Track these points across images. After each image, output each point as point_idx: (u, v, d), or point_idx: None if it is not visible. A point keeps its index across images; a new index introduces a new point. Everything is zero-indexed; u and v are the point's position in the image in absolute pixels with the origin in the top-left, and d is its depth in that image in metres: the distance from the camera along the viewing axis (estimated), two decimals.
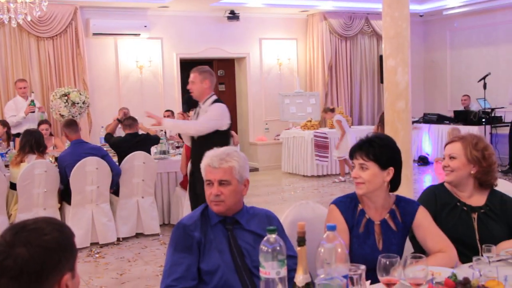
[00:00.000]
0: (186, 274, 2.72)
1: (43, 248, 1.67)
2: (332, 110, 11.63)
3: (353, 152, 3.02)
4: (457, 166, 3.25)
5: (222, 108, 5.71)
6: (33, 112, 9.33)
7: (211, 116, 5.61)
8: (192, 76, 5.70)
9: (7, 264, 1.63)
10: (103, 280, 5.97)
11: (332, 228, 2.27)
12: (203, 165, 2.90)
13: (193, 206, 5.76)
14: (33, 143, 7.03)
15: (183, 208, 7.39)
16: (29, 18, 8.25)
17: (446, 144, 3.42)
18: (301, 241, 2.15)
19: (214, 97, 5.76)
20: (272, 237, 2.17)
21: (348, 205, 3.06)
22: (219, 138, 5.46)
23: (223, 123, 5.68)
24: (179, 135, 8.32)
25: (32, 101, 9.35)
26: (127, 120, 7.90)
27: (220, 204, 2.82)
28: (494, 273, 2.37)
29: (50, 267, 1.67)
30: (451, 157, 3.28)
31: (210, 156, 2.89)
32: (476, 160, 3.24)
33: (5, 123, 9.01)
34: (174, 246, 2.80)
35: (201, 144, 5.45)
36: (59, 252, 1.70)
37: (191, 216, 2.93)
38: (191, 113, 5.99)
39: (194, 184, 5.59)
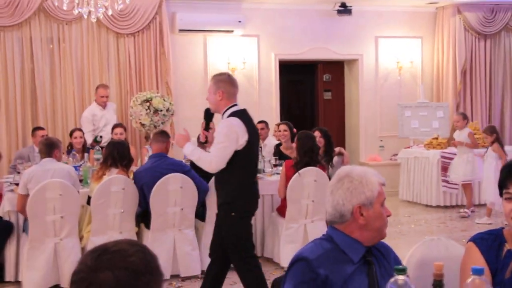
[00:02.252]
0: None
1: (130, 271, 1.73)
2: (466, 118, 11.19)
3: (505, 179, 2.96)
4: None
5: (228, 126, 5.64)
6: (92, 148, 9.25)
7: (218, 142, 5.59)
8: (209, 85, 5.85)
9: None
10: None
11: (479, 272, 2.23)
12: (379, 182, 2.90)
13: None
14: (115, 155, 7.18)
15: (280, 238, 7.41)
16: (109, 12, 8.54)
17: None
18: (439, 285, 2.11)
19: (230, 111, 5.71)
20: (401, 278, 2.14)
21: (491, 243, 3.02)
22: (245, 159, 5.61)
23: (238, 143, 5.57)
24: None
25: (99, 136, 9.47)
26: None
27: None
28: None
29: None
30: None
31: (375, 172, 2.95)
32: None
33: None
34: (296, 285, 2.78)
35: (227, 171, 5.58)
36: (147, 275, 1.77)
37: (314, 248, 2.87)
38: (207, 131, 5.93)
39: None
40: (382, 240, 3.00)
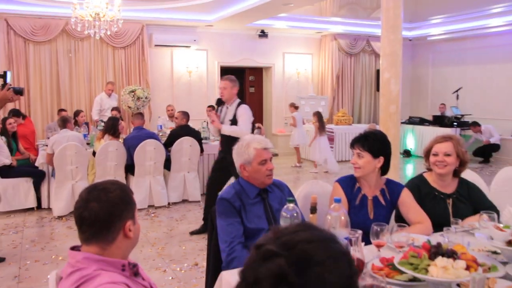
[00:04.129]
0: (238, 233, 2.72)
1: (109, 203, 1.76)
2: (296, 108, 11.40)
3: (353, 144, 3.02)
4: (452, 162, 3.16)
5: (249, 109, 5.73)
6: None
7: (247, 117, 5.64)
8: (224, 83, 5.72)
9: (85, 215, 1.74)
10: (157, 233, 6.07)
11: (338, 201, 2.30)
12: (255, 148, 2.84)
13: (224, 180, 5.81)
14: (110, 127, 7.17)
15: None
16: (108, 33, 8.56)
17: (436, 143, 3.24)
18: (313, 209, 2.18)
19: (238, 100, 5.76)
20: (291, 205, 2.20)
21: (348, 183, 3.05)
22: (252, 128, 5.75)
23: (251, 118, 5.74)
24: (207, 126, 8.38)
25: (100, 120, 9.33)
26: (183, 114, 7.87)
27: (272, 176, 2.87)
28: (460, 240, 2.39)
29: (115, 216, 1.77)
30: (447, 154, 3.15)
31: (260, 141, 2.90)
32: (461, 155, 3.19)
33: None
34: (224, 215, 2.76)
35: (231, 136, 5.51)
36: (121, 205, 1.79)
37: (228, 191, 2.86)
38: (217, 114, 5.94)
39: (227, 166, 5.47)
40: (280, 180, 3.05)
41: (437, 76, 14.35)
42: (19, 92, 4.80)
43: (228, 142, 5.46)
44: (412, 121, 13.01)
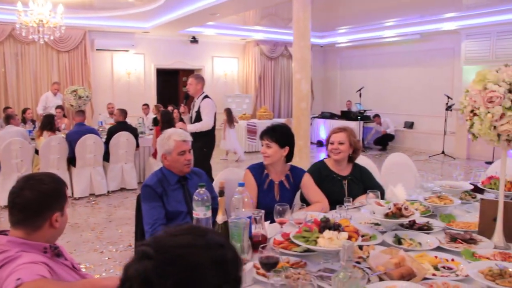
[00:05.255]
0: (160, 215, 2.67)
1: (41, 193, 1.70)
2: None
3: (262, 136, 3.04)
4: (345, 149, 3.24)
5: (211, 103, 5.72)
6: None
7: (209, 111, 5.65)
8: (190, 80, 5.78)
9: (17, 201, 1.69)
10: (96, 219, 5.87)
11: (241, 185, 2.32)
12: (175, 140, 2.80)
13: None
14: (47, 124, 6.94)
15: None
16: (52, 38, 8.35)
17: (332, 133, 3.32)
18: (221, 193, 2.17)
19: (204, 94, 5.76)
20: (202, 190, 2.18)
21: (258, 170, 3.06)
22: (214, 121, 5.76)
23: (214, 111, 5.77)
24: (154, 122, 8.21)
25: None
26: (121, 112, 7.64)
27: (190, 166, 2.83)
28: (348, 216, 2.48)
29: (44, 206, 1.71)
30: (340, 143, 3.24)
31: (180, 134, 2.85)
32: (353, 144, 3.29)
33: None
34: (147, 199, 2.71)
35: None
36: (51, 197, 1.73)
37: (151, 178, 2.79)
38: (184, 107, 5.94)
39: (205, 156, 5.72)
40: (197, 169, 3.00)
41: (344, 77, 14.80)
42: None
43: (200, 134, 5.63)
44: (324, 115, 13.35)
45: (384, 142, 12.22)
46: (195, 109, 5.73)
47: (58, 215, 1.74)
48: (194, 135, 5.62)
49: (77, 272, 1.81)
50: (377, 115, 12.19)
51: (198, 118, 5.68)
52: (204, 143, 5.68)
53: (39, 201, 1.69)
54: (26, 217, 1.68)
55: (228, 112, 10.43)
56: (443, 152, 10.83)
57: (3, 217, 5.98)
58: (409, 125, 12.53)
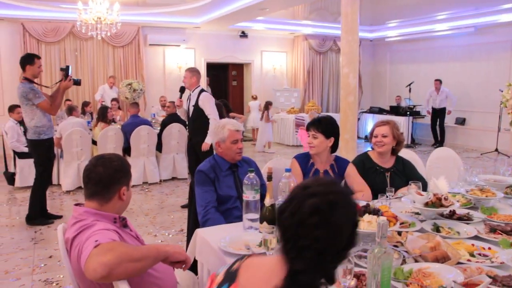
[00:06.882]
0: (212, 199, 2.82)
1: (111, 169, 1.96)
2: (255, 98, 12.27)
3: (308, 127, 3.16)
4: (388, 142, 3.31)
5: (210, 97, 5.61)
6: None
7: (212, 105, 5.52)
8: (185, 73, 5.71)
9: (91, 176, 1.95)
10: (149, 205, 6.18)
11: (288, 170, 2.47)
12: (229, 129, 2.91)
13: (194, 160, 5.67)
14: (100, 115, 7.42)
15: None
16: (108, 34, 8.70)
17: (376, 127, 3.40)
18: (269, 177, 2.33)
19: (200, 88, 5.65)
20: (252, 174, 2.36)
21: (304, 159, 3.19)
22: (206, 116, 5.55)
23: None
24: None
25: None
26: (173, 104, 7.88)
27: (241, 154, 2.98)
28: (388, 204, 2.59)
29: (114, 180, 1.97)
30: (384, 136, 3.31)
31: (234, 124, 2.98)
32: (397, 137, 3.35)
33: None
34: (201, 184, 2.84)
35: (197, 119, 5.53)
36: (120, 172, 1.99)
37: (205, 164, 2.93)
38: (181, 99, 5.90)
39: (193, 146, 5.63)
40: (247, 157, 3.14)
41: (393, 72, 14.58)
42: (77, 83, 5.05)
43: (193, 125, 5.62)
44: (372, 110, 13.25)
45: (435, 117, 11.74)
46: (192, 102, 5.62)
47: (125, 189, 1.99)
48: (197, 130, 5.55)
49: (140, 242, 2.06)
50: (438, 80, 11.66)
51: (196, 112, 5.58)
52: (203, 138, 5.58)
53: (110, 176, 1.94)
54: (99, 189, 1.92)
55: (266, 107, 10.70)
56: (496, 150, 10.53)
57: (66, 201, 6.44)
58: (461, 122, 12.21)
